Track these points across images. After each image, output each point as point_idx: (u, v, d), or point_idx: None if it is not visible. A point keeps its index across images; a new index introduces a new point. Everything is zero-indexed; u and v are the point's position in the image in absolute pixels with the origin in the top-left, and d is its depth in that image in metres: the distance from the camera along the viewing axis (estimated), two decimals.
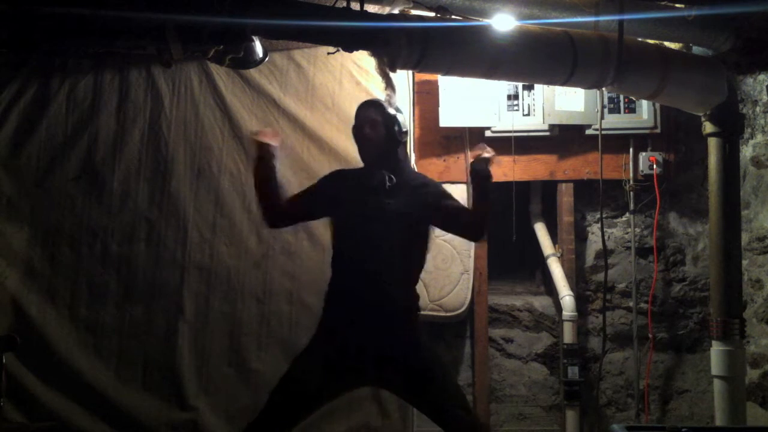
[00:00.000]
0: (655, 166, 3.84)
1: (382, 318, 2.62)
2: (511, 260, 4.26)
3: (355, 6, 2.77)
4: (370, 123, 2.75)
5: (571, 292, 3.86)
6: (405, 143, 2.86)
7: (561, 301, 3.86)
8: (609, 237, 3.99)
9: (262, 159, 2.74)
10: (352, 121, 2.82)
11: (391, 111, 2.77)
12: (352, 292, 2.66)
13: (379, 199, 2.68)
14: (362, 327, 2.61)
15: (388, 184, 2.68)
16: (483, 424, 2.92)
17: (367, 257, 2.65)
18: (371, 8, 3.02)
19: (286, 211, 2.79)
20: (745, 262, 3.54)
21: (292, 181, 3.55)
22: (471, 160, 2.76)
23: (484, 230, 2.76)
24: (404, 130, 2.77)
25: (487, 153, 2.70)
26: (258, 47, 2.97)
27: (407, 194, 2.71)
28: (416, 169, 3.70)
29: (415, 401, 2.76)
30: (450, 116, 3.80)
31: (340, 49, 2.80)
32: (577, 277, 3.98)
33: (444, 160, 3.93)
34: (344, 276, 2.71)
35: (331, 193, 2.78)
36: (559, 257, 3.97)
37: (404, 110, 3.63)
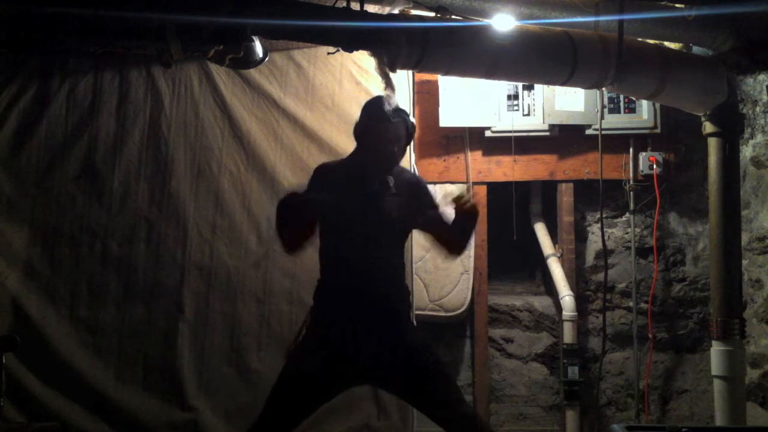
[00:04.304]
0: (655, 166, 3.84)
1: (378, 315, 2.62)
2: (511, 260, 4.27)
3: (355, 6, 2.77)
4: (393, 136, 2.61)
5: (571, 292, 3.86)
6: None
7: (561, 301, 3.86)
8: (609, 237, 3.99)
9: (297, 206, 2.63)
10: (353, 121, 2.77)
11: (405, 116, 2.65)
12: (347, 289, 2.65)
13: (373, 195, 2.65)
14: (359, 324, 2.61)
15: (390, 186, 2.63)
16: (482, 419, 2.93)
17: (363, 252, 2.63)
18: (371, 8, 3.02)
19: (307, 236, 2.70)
20: (745, 262, 3.54)
21: (292, 181, 3.56)
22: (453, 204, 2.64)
23: (463, 250, 2.96)
24: (411, 131, 2.68)
25: (468, 200, 2.67)
26: (258, 47, 2.97)
27: (399, 190, 2.66)
28: (416, 170, 3.70)
29: (412, 399, 2.76)
30: (450, 116, 3.80)
31: (340, 49, 2.79)
32: (577, 277, 3.98)
33: (444, 160, 3.93)
34: (338, 271, 2.67)
35: (323, 189, 2.67)
36: (559, 257, 3.98)
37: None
